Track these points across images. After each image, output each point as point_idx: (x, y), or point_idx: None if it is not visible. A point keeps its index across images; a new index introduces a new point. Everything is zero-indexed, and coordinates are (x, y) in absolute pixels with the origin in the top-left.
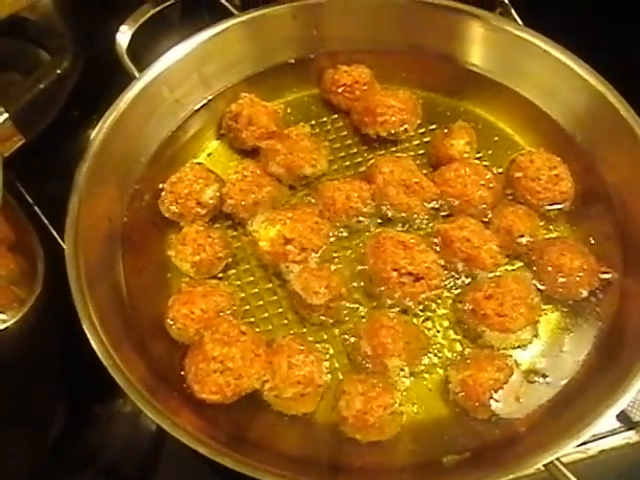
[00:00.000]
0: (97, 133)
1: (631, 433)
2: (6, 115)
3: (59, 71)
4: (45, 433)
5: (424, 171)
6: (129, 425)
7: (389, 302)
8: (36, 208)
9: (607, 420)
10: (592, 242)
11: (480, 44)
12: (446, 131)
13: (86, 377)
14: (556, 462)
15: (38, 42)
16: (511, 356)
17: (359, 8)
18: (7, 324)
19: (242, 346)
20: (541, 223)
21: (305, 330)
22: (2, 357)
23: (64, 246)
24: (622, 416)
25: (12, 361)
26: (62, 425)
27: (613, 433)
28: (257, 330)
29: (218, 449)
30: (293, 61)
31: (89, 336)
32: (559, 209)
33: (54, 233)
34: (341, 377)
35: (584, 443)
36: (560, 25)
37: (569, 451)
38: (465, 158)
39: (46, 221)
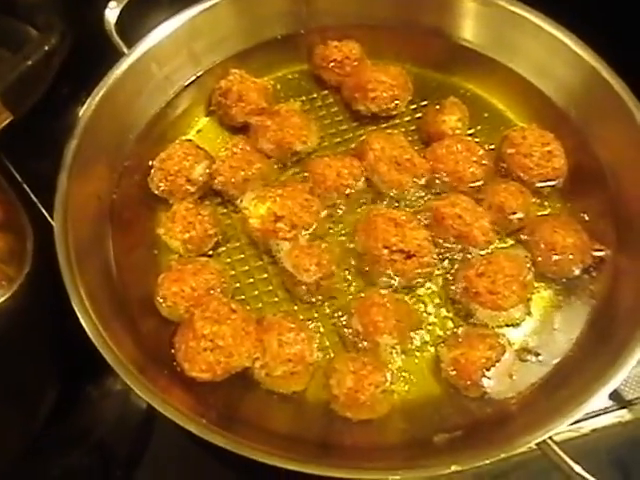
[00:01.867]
0: (86, 110)
1: (623, 411)
2: None
3: (47, 48)
4: (36, 411)
5: (415, 147)
6: (120, 403)
7: (380, 280)
8: (25, 186)
9: (601, 399)
10: (585, 219)
11: (472, 19)
12: (438, 107)
13: (76, 355)
14: (548, 441)
15: (26, 18)
16: (503, 334)
17: None
18: None
19: (232, 324)
20: (533, 200)
21: (296, 308)
22: None
23: (53, 224)
24: (614, 394)
25: (1, 340)
26: (53, 403)
27: (605, 412)
28: (247, 308)
29: (208, 427)
30: (283, 37)
31: (78, 314)
32: (552, 186)
33: (43, 211)
34: (332, 355)
35: (576, 422)
36: (553, 1)
37: (561, 430)
38: (457, 134)
39: (35, 199)
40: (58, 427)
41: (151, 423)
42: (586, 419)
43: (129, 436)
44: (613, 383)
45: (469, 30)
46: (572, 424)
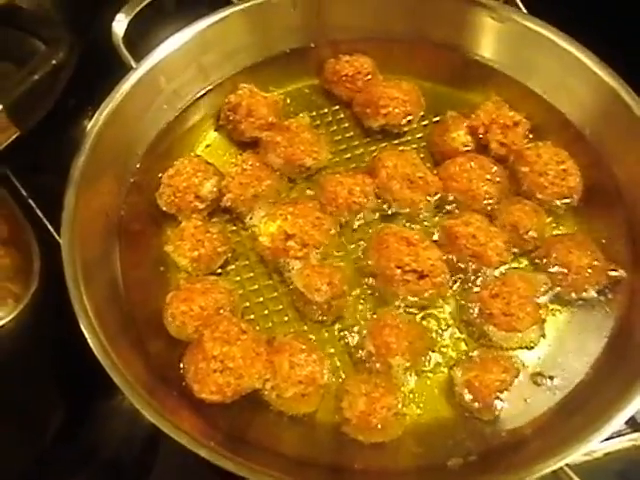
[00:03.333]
0: (93, 125)
1: (637, 435)
2: (0, 107)
3: (54, 62)
4: (42, 431)
5: (428, 164)
6: (126, 423)
7: (392, 300)
8: (31, 201)
9: (618, 424)
10: (601, 239)
11: (487, 34)
12: (438, 121)
13: (83, 374)
14: (565, 468)
15: (33, 31)
16: (517, 357)
17: None
18: (3, 321)
19: (242, 345)
20: (548, 219)
21: (306, 328)
22: None
23: (60, 241)
24: (634, 423)
25: (9, 358)
26: (59, 423)
27: (619, 435)
28: (257, 328)
29: (217, 451)
30: (293, 51)
31: (86, 334)
32: (567, 204)
33: (50, 227)
34: (343, 376)
35: None
36: (565, 15)
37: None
38: (469, 151)
39: (41, 215)
40: (65, 447)
41: (158, 442)
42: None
43: (136, 455)
44: (630, 409)
45: (483, 45)
46: None
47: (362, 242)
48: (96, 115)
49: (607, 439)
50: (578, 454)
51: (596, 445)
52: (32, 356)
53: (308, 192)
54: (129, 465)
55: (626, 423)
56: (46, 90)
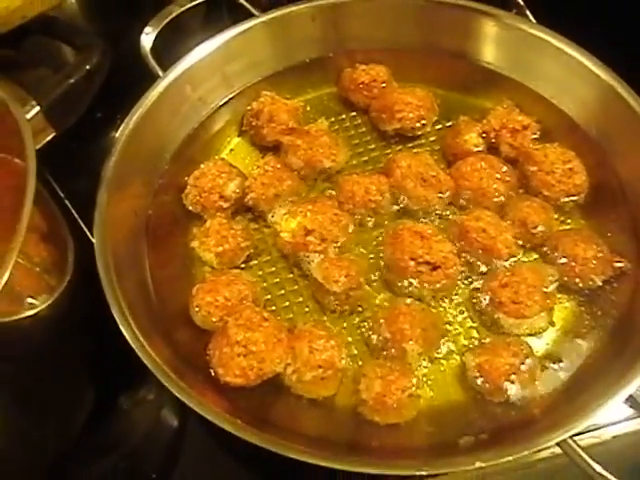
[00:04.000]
0: (124, 129)
1: None
2: (38, 108)
3: (88, 67)
4: (73, 419)
5: (441, 165)
6: (152, 414)
7: (407, 291)
8: (67, 202)
9: (619, 402)
10: (606, 233)
11: (494, 42)
12: (450, 126)
13: (112, 365)
14: (569, 441)
15: (66, 40)
16: (527, 343)
17: (376, 9)
18: (37, 309)
19: (265, 331)
20: (555, 215)
21: (325, 318)
22: (31, 342)
23: (92, 239)
24: (635, 403)
25: (40, 347)
26: (88, 411)
27: (627, 419)
28: (278, 318)
29: (243, 427)
30: (312, 60)
31: (118, 321)
32: (573, 201)
33: (83, 225)
34: (360, 363)
35: (598, 428)
36: (573, 24)
37: (584, 436)
38: (480, 152)
39: (75, 214)
40: (93, 435)
41: (182, 432)
42: (607, 426)
43: (161, 446)
44: (629, 389)
45: (491, 53)
46: (594, 430)
47: (378, 237)
48: (126, 120)
49: (615, 423)
50: (580, 428)
51: (605, 429)
52: (63, 346)
53: (327, 192)
54: (153, 455)
55: (633, 408)
56: (80, 93)
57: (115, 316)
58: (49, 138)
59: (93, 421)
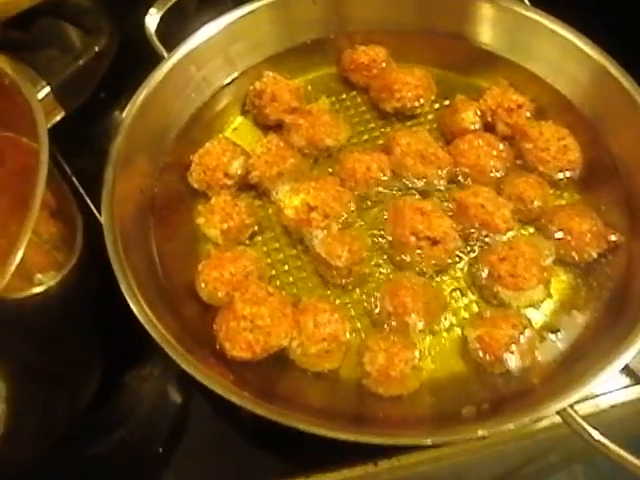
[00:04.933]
0: (130, 109)
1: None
2: (48, 89)
3: (97, 48)
4: (80, 395)
5: (439, 143)
6: (159, 389)
7: (408, 265)
8: (74, 179)
9: (615, 370)
10: (600, 208)
11: (490, 24)
12: (448, 105)
13: (117, 342)
14: (569, 409)
15: (75, 21)
16: (525, 315)
17: None
18: (46, 286)
19: (270, 306)
20: (551, 191)
21: (329, 292)
22: (40, 317)
23: (98, 216)
24: (631, 372)
25: (49, 322)
26: (95, 386)
27: (624, 388)
28: (283, 293)
29: (249, 398)
30: (313, 41)
31: (127, 296)
32: (568, 177)
33: (90, 203)
34: (363, 336)
35: (596, 397)
36: (565, 4)
37: (582, 405)
38: (477, 129)
39: (82, 191)
40: (99, 411)
41: (188, 407)
42: (605, 394)
43: (167, 420)
44: (626, 357)
45: (487, 34)
46: (592, 399)
47: (379, 213)
48: (132, 100)
49: (613, 391)
50: (579, 396)
51: (603, 398)
52: (72, 321)
53: (329, 169)
54: (161, 429)
55: (630, 376)
56: (89, 74)
57: (123, 291)
58: (58, 118)
59: (101, 396)
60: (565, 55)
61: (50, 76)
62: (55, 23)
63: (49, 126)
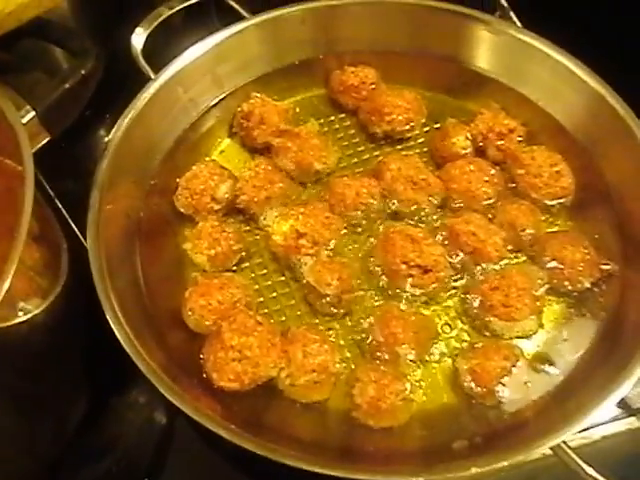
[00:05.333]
0: (116, 131)
1: (632, 419)
2: (33, 113)
3: (83, 72)
4: (67, 422)
5: (430, 167)
6: (144, 416)
7: (398, 294)
8: (57, 202)
9: (610, 405)
10: (593, 236)
11: (483, 46)
12: (438, 128)
13: (103, 368)
14: (562, 445)
15: (61, 44)
16: (517, 346)
17: (364, 12)
18: (30, 315)
19: (259, 336)
20: (543, 218)
21: (317, 321)
22: (25, 346)
23: (83, 241)
24: (623, 403)
25: (36, 350)
26: (82, 415)
27: (615, 419)
28: (271, 321)
29: (237, 432)
30: (302, 62)
31: (112, 325)
32: (560, 204)
33: (74, 227)
34: (353, 366)
35: (588, 429)
36: (557, 26)
37: (574, 437)
38: (469, 155)
39: (67, 215)
40: (84, 438)
41: (173, 434)
42: (597, 426)
43: (152, 448)
44: (621, 391)
45: (480, 57)
46: (583, 431)
47: (369, 240)
48: (118, 122)
49: (604, 423)
50: (574, 432)
51: (595, 430)
52: (58, 349)
53: (318, 194)
54: (147, 457)
55: (621, 408)
56: (75, 98)
57: (109, 320)
58: (43, 142)
59: (86, 423)
60: (558, 79)
61: (35, 100)
62: (40, 44)
63: (34, 150)
